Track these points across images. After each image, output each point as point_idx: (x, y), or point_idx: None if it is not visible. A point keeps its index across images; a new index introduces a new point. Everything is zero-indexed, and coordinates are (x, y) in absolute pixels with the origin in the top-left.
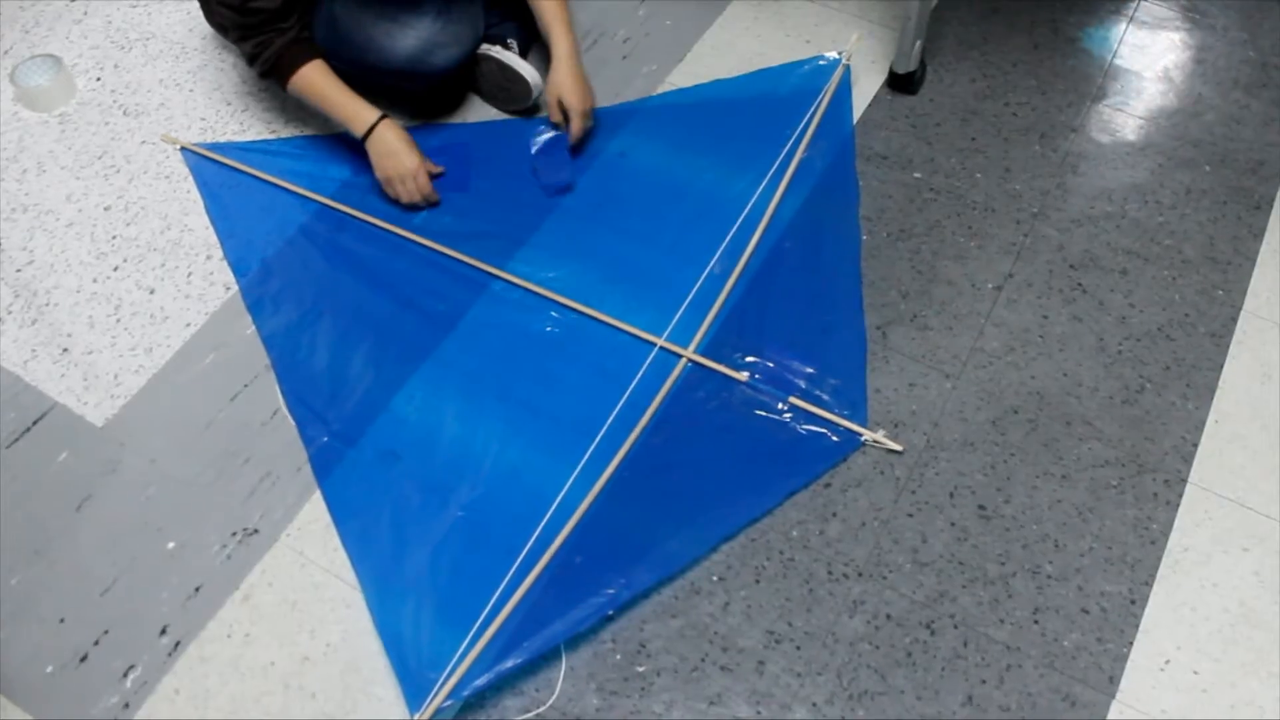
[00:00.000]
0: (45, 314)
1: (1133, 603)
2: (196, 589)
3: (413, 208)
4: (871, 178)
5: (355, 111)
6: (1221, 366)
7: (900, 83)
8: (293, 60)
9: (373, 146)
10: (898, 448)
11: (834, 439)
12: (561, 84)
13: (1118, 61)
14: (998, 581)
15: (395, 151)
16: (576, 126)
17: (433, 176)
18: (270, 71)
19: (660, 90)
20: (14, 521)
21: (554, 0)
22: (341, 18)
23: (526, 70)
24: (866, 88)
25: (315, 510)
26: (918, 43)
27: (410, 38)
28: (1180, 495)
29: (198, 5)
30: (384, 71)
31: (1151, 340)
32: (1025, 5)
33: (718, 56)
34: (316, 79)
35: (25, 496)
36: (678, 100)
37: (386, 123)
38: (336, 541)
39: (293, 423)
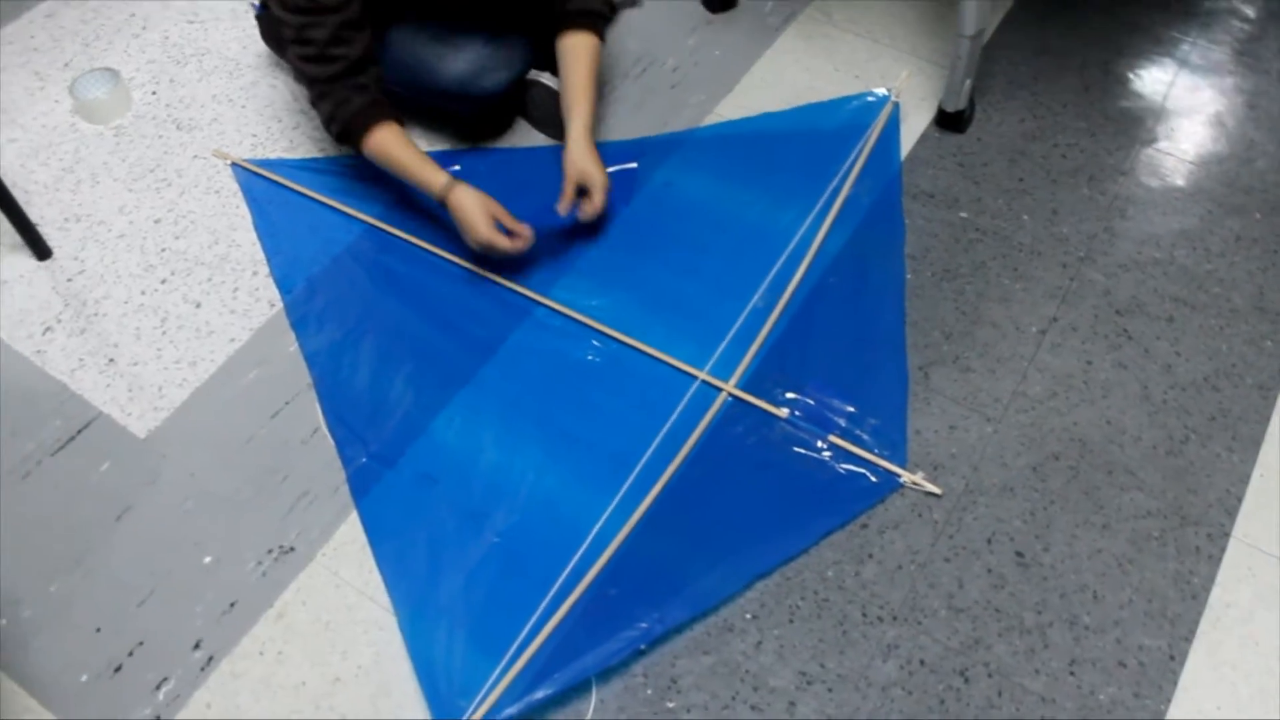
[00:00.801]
0: (93, 324)
1: (1172, 658)
2: (231, 605)
3: (515, 262)
4: (917, 216)
5: (428, 178)
6: (1269, 419)
7: (949, 121)
8: (368, 123)
9: (454, 214)
10: (937, 490)
11: (873, 479)
12: (578, 161)
13: (1169, 105)
14: (1034, 631)
15: (465, 223)
16: (599, 200)
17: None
18: (345, 134)
19: (708, 121)
20: (55, 529)
21: (585, 69)
22: (396, 40)
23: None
24: (915, 125)
25: (351, 531)
26: (967, 81)
27: (461, 60)
28: (1223, 550)
29: (254, 24)
30: (434, 92)
31: (1197, 390)
32: (1076, 45)
33: (766, 88)
34: (392, 143)
35: (67, 504)
36: (725, 132)
37: (459, 189)
38: (371, 563)
39: (332, 442)
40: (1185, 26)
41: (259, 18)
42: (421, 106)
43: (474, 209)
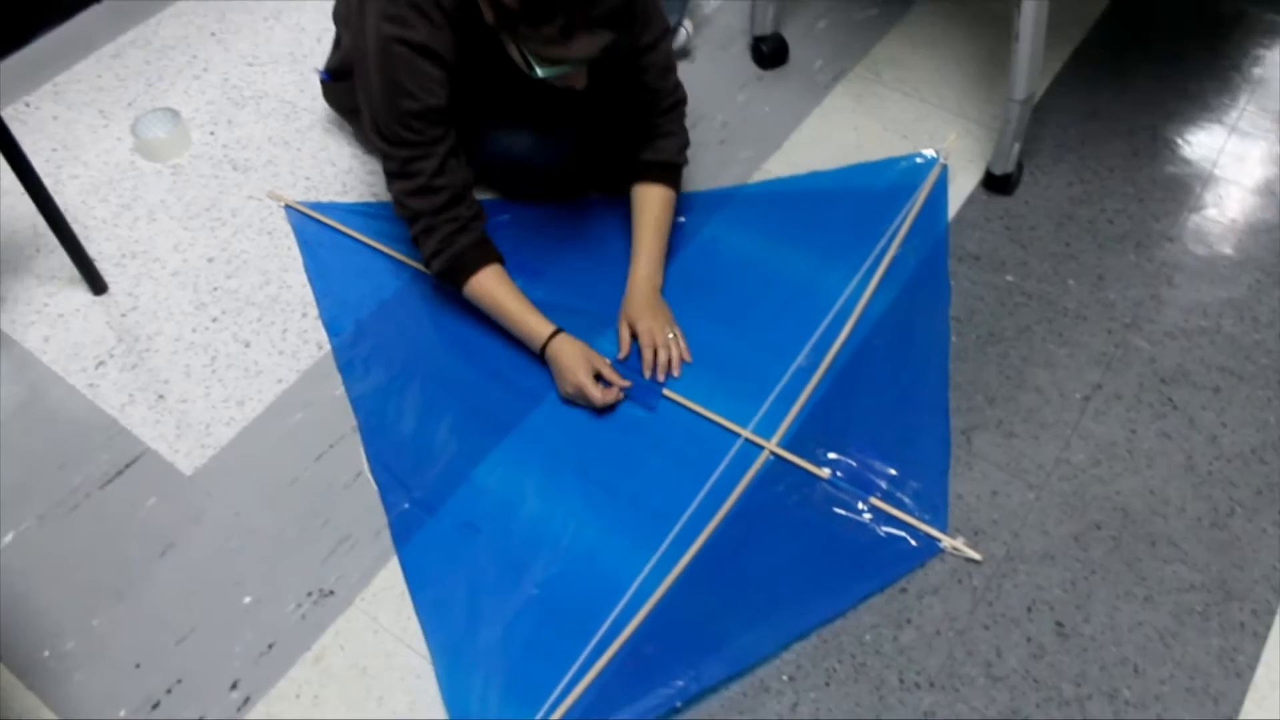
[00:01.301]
0: (145, 359)
1: None
2: (269, 646)
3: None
4: (963, 278)
5: (531, 327)
6: None
7: (996, 183)
8: (473, 264)
9: (552, 364)
10: (977, 556)
11: (913, 543)
12: (633, 311)
13: (1217, 172)
14: (1073, 703)
15: (563, 369)
16: (648, 357)
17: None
18: (449, 274)
19: (756, 176)
20: (100, 562)
21: (655, 221)
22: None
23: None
24: (961, 186)
25: (391, 577)
26: (1016, 145)
27: (527, 136)
28: (1269, 627)
29: (312, 71)
30: (502, 163)
31: (1244, 462)
32: (1125, 110)
33: (815, 146)
34: (497, 288)
35: (112, 538)
36: (773, 189)
37: (560, 339)
38: (410, 609)
39: (375, 487)
40: (1234, 93)
41: (324, 84)
42: (491, 178)
43: (575, 355)
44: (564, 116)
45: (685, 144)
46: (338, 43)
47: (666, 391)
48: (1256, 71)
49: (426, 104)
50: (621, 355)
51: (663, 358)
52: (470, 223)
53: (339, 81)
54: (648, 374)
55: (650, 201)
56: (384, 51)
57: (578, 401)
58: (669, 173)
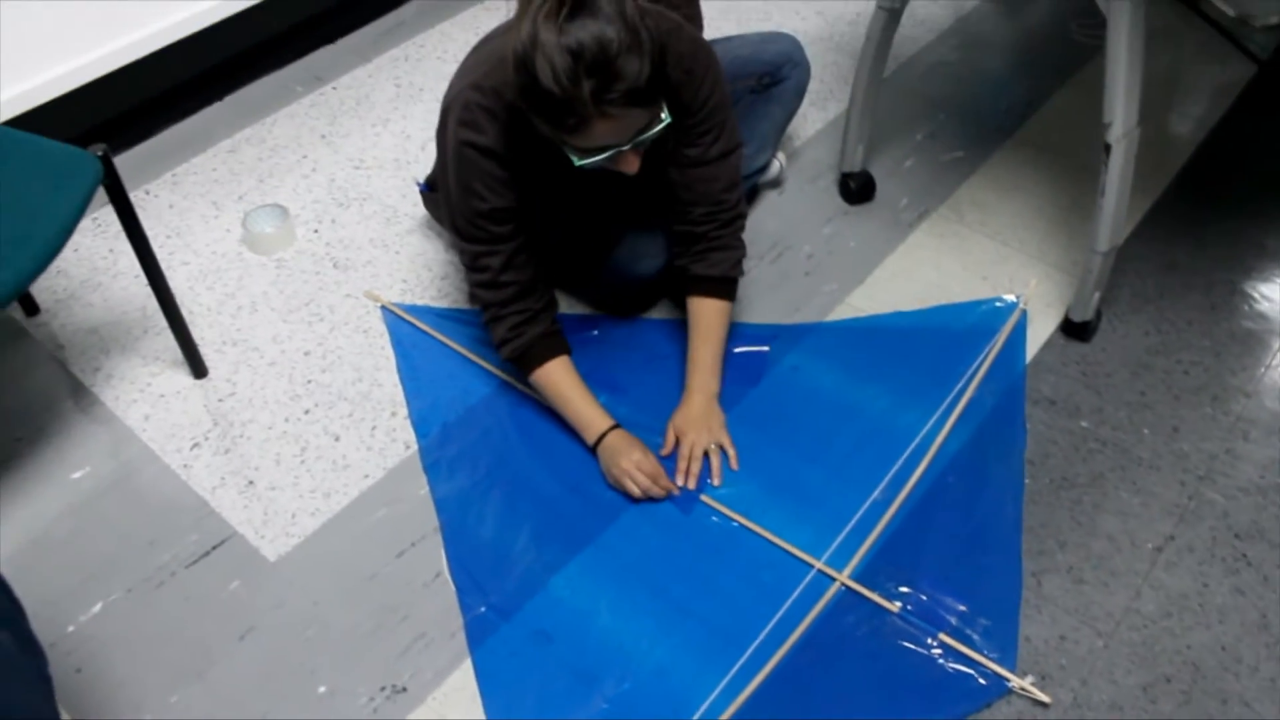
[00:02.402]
0: (238, 445)
1: None
2: None
3: (649, 498)
4: (1038, 421)
5: (590, 419)
6: None
7: (1075, 330)
8: (542, 355)
9: (601, 455)
10: (1046, 699)
11: (981, 681)
12: (682, 421)
13: None
14: None
15: (617, 450)
16: (682, 467)
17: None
18: (516, 360)
19: (840, 309)
20: (181, 640)
21: (713, 337)
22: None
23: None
24: (1039, 329)
25: (464, 678)
26: (1096, 294)
27: (622, 247)
28: None
29: (414, 179)
30: (592, 275)
31: None
32: (1203, 264)
33: (897, 282)
34: (560, 379)
35: (195, 617)
36: (856, 325)
37: (617, 432)
38: (480, 712)
39: (453, 588)
40: None
41: (423, 194)
42: (575, 285)
43: (627, 445)
44: (648, 221)
45: (743, 257)
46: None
47: (739, 517)
48: None
49: (493, 205)
50: (664, 452)
51: (695, 468)
52: (539, 314)
53: (434, 192)
54: (680, 481)
55: (708, 314)
56: (458, 155)
57: (625, 484)
58: (727, 287)
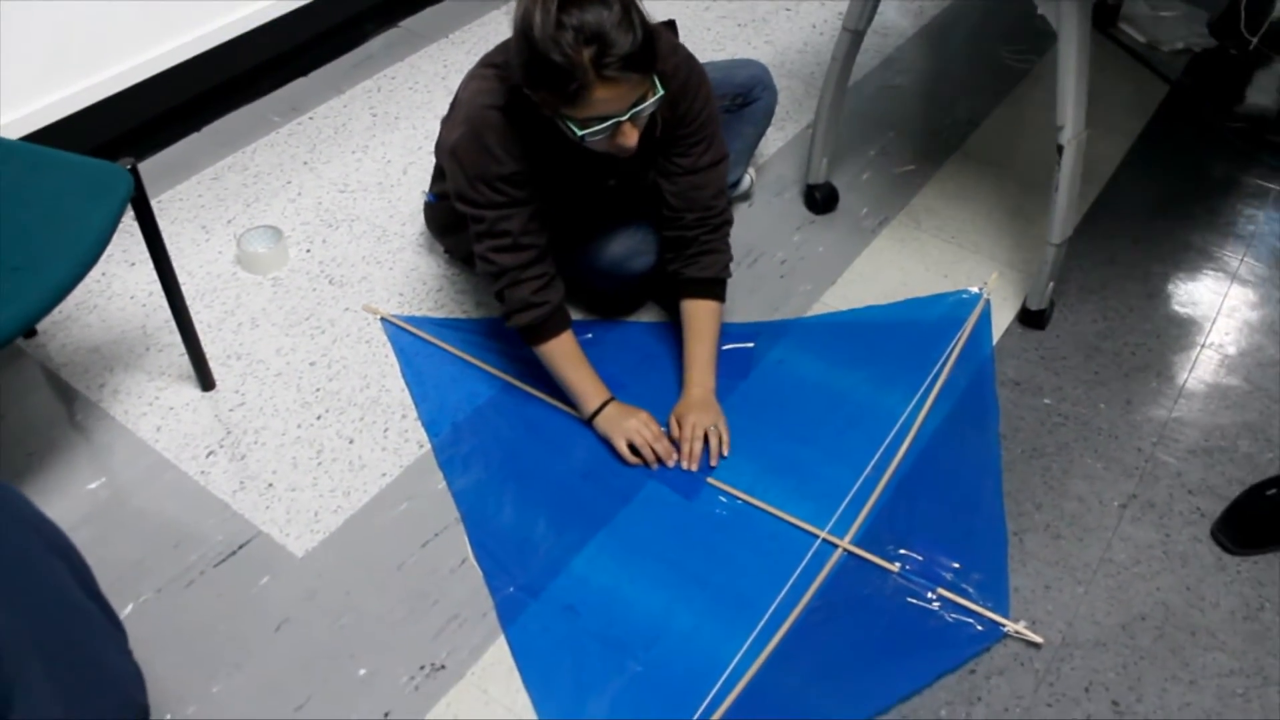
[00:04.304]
0: (253, 451)
1: None
2: (385, 714)
3: (655, 461)
4: (1006, 400)
5: (596, 388)
6: None
7: (1031, 318)
8: (557, 326)
9: (603, 422)
10: (1038, 640)
11: (979, 628)
12: (682, 408)
13: (1224, 313)
14: None
15: (622, 416)
16: (684, 450)
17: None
18: (528, 330)
19: (815, 308)
20: (217, 634)
21: (708, 336)
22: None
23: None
24: (999, 320)
25: (499, 653)
26: (1050, 283)
27: (615, 244)
28: None
29: (398, 198)
30: (588, 270)
31: (1268, 564)
32: (1140, 259)
33: (866, 282)
34: (572, 349)
35: (228, 613)
36: (833, 320)
37: (615, 403)
38: (519, 683)
39: (479, 572)
40: (1235, 246)
41: (428, 205)
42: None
43: (629, 411)
44: (640, 220)
45: (730, 260)
46: (440, 172)
47: (746, 495)
48: (1250, 228)
49: (513, 168)
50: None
51: (697, 448)
52: (555, 280)
53: (443, 202)
54: (685, 465)
55: (702, 315)
56: (480, 117)
57: (625, 447)
58: (717, 288)
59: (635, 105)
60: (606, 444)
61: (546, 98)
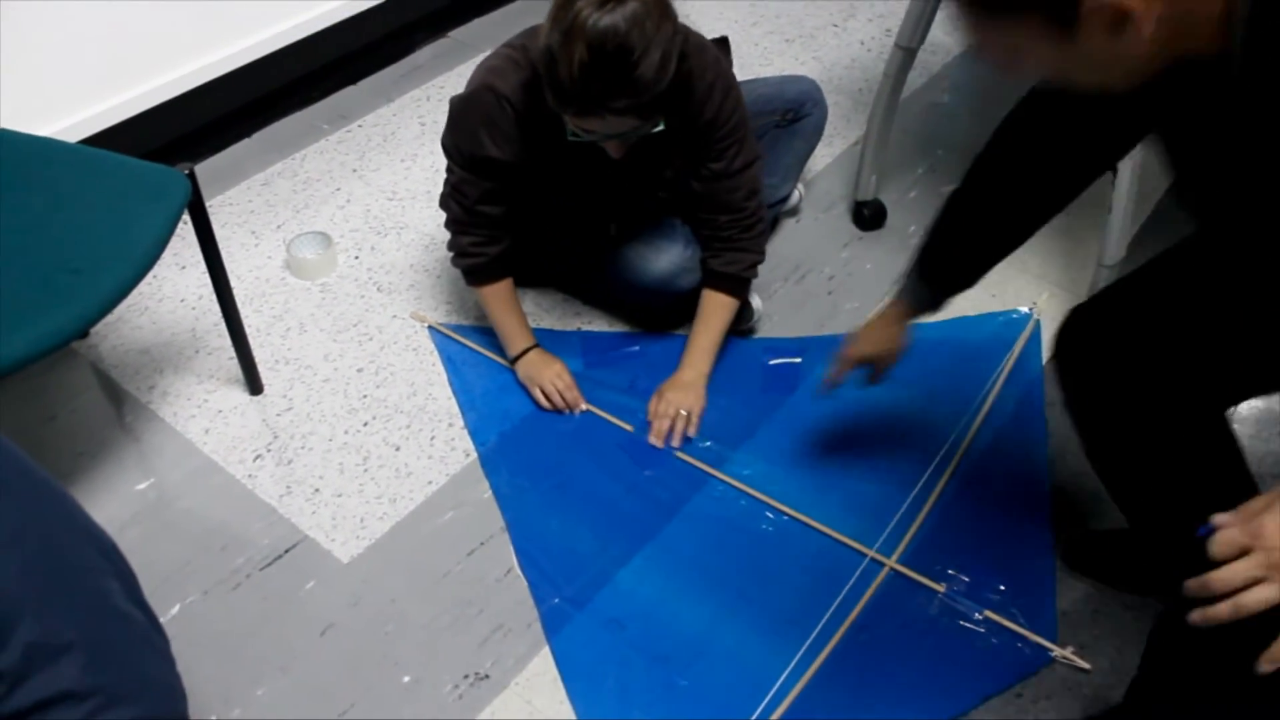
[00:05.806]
0: (300, 456)
1: None
2: None
3: (565, 407)
4: (1054, 422)
5: (522, 334)
6: None
7: None
8: (483, 277)
9: (520, 368)
10: (1086, 666)
11: (1026, 652)
12: (665, 386)
13: None
14: None
15: (541, 364)
16: (654, 426)
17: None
18: (471, 272)
19: None
20: (263, 637)
21: (716, 328)
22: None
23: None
24: (1048, 341)
25: (544, 664)
26: None
27: (664, 260)
28: None
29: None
30: (637, 288)
31: None
32: None
33: None
34: (506, 296)
35: (275, 616)
36: None
37: (538, 350)
38: (563, 694)
39: (525, 582)
40: None
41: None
42: (611, 296)
43: (548, 359)
44: (689, 238)
45: (759, 261)
46: None
47: (794, 512)
48: None
49: (495, 154)
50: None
51: (662, 426)
52: (495, 240)
53: None
54: (650, 440)
55: (714, 305)
56: (475, 97)
57: (536, 392)
58: (737, 285)
59: (622, 133)
60: (523, 388)
61: (548, 92)
